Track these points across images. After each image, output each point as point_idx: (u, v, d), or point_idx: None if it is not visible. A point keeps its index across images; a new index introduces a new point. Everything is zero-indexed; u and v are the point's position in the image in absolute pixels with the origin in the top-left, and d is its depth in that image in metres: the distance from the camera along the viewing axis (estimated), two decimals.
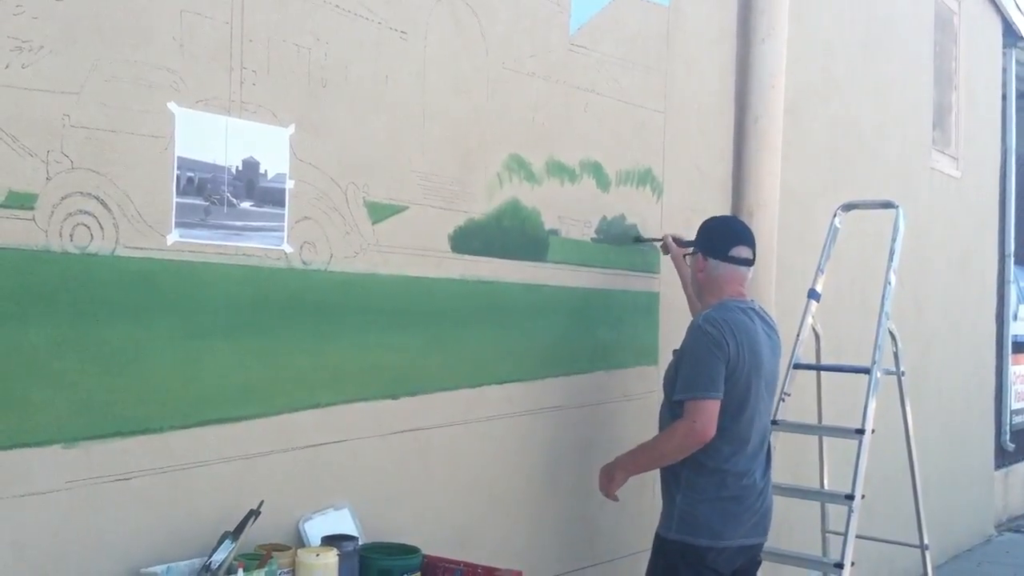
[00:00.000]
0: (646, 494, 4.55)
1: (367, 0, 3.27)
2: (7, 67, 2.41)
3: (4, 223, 2.41)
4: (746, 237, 3.90)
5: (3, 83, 2.41)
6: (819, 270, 5.09)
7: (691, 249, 4.01)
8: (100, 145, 2.59)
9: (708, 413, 3.59)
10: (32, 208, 2.46)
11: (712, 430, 3.60)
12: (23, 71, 2.44)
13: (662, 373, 4.03)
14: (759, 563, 3.97)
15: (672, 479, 3.81)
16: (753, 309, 3.85)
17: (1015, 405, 10.04)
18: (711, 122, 5.03)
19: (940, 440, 7.91)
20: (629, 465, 3.91)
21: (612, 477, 3.93)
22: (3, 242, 2.41)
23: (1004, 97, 9.63)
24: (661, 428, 3.85)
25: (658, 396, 4.52)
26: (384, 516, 3.38)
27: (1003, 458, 9.87)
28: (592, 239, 4.23)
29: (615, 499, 3.98)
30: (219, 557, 2.70)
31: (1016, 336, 10.07)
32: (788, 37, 5.28)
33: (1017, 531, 9.75)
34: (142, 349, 2.69)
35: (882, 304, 4.87)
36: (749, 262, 3.87)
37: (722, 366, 3.63)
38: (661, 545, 3.81)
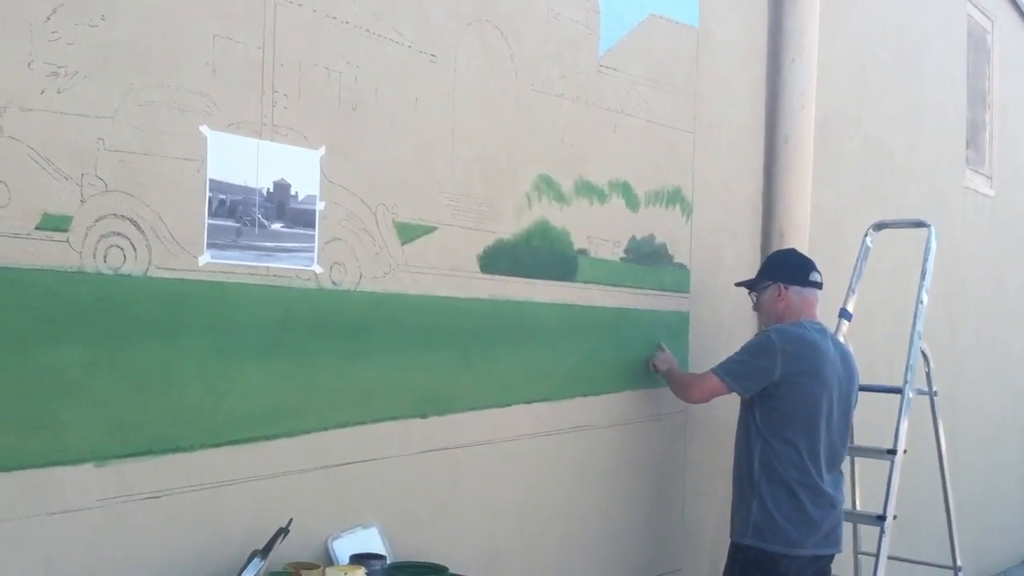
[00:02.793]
0: (675, 517, 4.55)
1: (397, 24, 3.30)
2: (43, 92, 2.46)
3: (39, 245, 2.46)
4: (814, 264, 4.30)
5: (39, 108, 2.45)
6: (850, 289, 5.08)
7: (764, 285, 4.25)
8: (133, 168, 2.64)
9: (708, 387, 4.10)
10: (66, 230, 2.51)
11: (697, 398, 4.18)
12: (58, 96, 2.49)
13: None
14: (828, 574, 4.16)
15: (748, 486, 4.02)
16: (827, 331, 4.16)
17: None
18: (741, 142, 5.03)
19: (975, 461, 7.84)
20: (669, 371, 4.28)
21: (657, 366, 4.31)
22: (38, 263, 2.46)
23: None
24: (738, 432, 4.16)
25: (686, 416, 4.55)
26: (412, 535, 3.39)
27: None
28: (621, 259, 4.24)
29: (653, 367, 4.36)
30: (248, 575, 2.72)
31: None
32: (818, 57, 5.28)
33: None
34: (174, 369, 2.73)
35: (914, 323, 4.85)
36: (822, 286, 4.23)
37: (761, 375, 3.98)
38: (736, 551, 4.05)
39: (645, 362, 4.32)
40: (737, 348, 4.15)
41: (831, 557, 4.12)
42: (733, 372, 4.04)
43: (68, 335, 2.52)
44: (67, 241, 2.51)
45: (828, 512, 4.01)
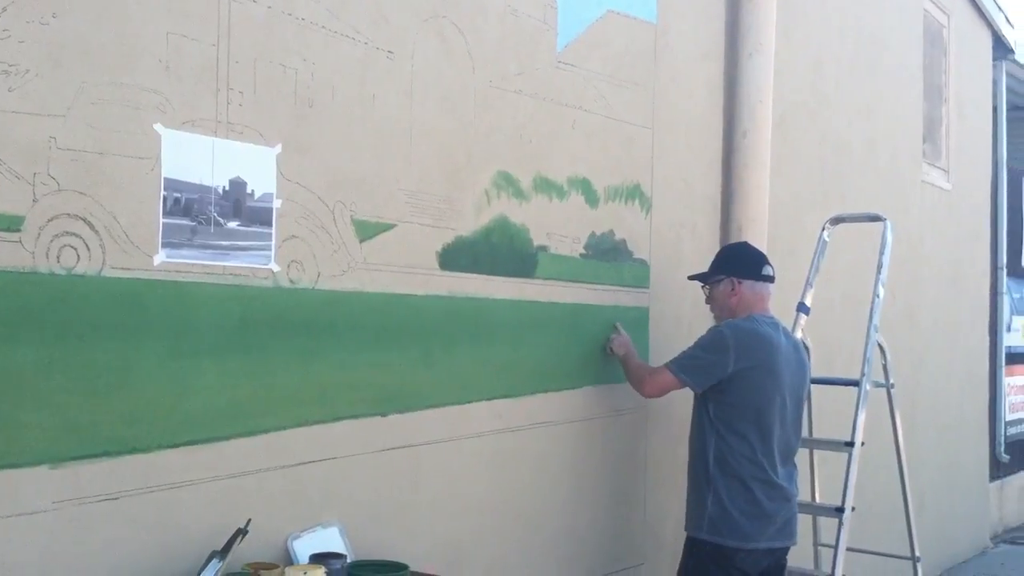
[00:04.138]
0: (636, 511, 4.57)
1: (353, 21, 3.29)
2: None
3: None
4: (767, 258, 4.31)
5: None
6: (808, 284, 5.12)
7: (716, 279, 4.23)
8: (86, 167, 2.61)
9: (661, 382, 4.14)
10: (19, 230, 2.48)
11: (651, 393, 4.23)
12: (9, 94, 2.46)
13: None
14: (784, 566, 4.19)
15: (704, 481, 4.03)
16: (779, 325, 4.16)
17: (1009, 416, 10.05)
18: (699, 138, 5.06)
19: (935, 452, 7.93)
20: (626, 358, 4.30)
21: (614, 350, 4.32)
22: None
23: (995, 109, 9.66)
24: (692, 427, 4.17)
25: (647, 411, 4.57)
26: (373, 534, 3.39)
27: (998, 470, 9.88)
28: (581, 255, 4.25)
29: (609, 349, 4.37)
30: None
31: (1009, 347, 10.08)
32: (776, 52, 5.31)
33: (1012, 543, 9.76)
34: (129, 369, 2.71)
35: (871, 317, 4.90)
36: (774, 279, 4.22)
37: (714, 369, 4.00)
38: (692, 545, 4.06)
39: (602, 345, 4.33)
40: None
41: (786, 549, 4.15)
42: (686, 367, 4.06)
43: (21, 336, 2.49)
44: (19, 241, 2.48)
45: (782, 505, 4.03)
